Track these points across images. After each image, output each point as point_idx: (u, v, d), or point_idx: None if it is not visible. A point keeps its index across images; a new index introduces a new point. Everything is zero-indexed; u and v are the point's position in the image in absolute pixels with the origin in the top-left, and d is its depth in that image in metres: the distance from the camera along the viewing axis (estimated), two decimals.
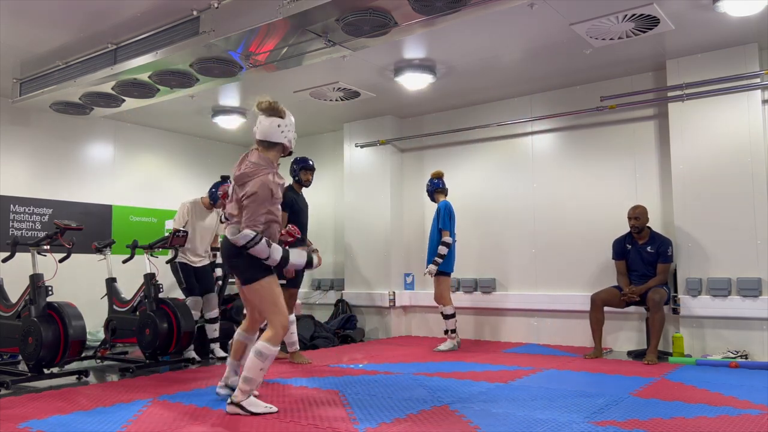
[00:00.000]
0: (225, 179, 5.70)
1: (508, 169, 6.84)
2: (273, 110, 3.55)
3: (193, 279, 5.61)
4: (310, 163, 5.57)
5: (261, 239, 3.38)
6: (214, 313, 5.71)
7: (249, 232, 3.37)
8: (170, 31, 4.63)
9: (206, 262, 5.76)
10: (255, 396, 3.48)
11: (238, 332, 3.80)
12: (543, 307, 6.41)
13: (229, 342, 4.95)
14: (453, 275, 6.18)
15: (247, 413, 3.32)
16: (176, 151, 8.06)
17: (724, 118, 5.41)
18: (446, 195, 6.20)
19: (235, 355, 3.79)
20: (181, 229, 5.35)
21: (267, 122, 3.54)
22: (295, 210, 5.34)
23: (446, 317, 5.98)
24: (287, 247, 3.62)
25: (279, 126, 3.54)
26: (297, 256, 3.59)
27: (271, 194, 3.46)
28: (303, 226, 5.35)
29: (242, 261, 3.44)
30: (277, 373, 4.69)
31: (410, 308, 7.44)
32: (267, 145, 3.57)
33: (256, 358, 3.36)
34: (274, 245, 3.46)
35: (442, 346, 5.94)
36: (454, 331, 5.99)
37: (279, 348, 3.42)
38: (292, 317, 5.29)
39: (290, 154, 3.72)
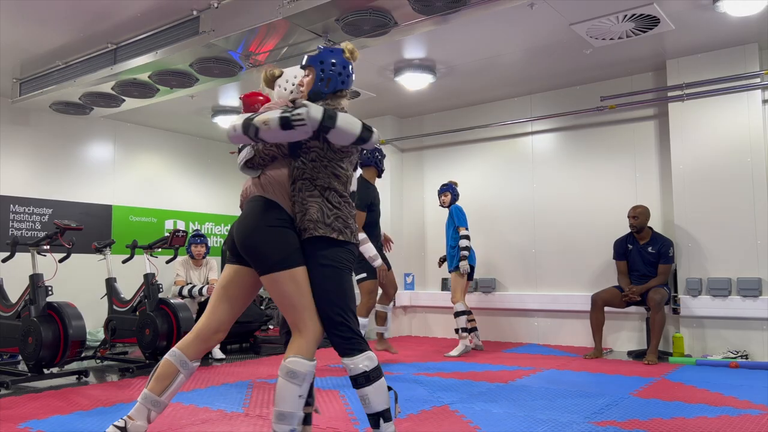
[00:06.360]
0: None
1: (508, 169, 6.84)
2: (275, 76, 2.78)
3: None
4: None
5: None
6: None
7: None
8: (170, 31, 4.63)
9: None
10: None
11: (172, 350, 2.43)
12: (543, 307, 6.40)
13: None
14: None
15: None
16: (176, 151, 8.05)
17: (724, 118, 5.40)
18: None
19: (156, 384, 2.38)
20: (181, 229, 5.35)
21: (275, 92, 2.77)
22: (373, 208, 5.00)
23: (455, 315, 5.65)
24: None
25: (279, 86, 2.74)
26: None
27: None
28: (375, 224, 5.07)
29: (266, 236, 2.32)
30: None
31: (410, 308, 7.44)
32: None
33: (287, 381, 2.25)
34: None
35: (453, 352, 5.57)
36: (465, 330, 5.60)
37: (315, 362, 2.36)
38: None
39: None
